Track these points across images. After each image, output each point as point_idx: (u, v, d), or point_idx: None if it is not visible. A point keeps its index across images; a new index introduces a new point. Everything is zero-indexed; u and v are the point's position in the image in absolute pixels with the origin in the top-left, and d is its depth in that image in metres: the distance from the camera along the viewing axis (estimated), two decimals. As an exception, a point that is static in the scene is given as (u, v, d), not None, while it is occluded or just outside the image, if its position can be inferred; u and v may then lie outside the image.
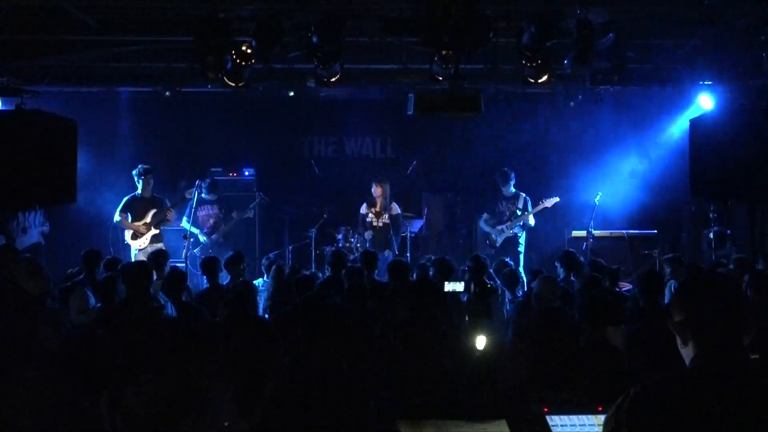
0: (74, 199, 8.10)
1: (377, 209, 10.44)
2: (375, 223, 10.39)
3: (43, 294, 5.47)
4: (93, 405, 3.32)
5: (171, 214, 9.84)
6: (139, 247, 9.64)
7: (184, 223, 9.95)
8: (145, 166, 9.88)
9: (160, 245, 9.41)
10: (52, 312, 5.31)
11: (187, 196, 9.94)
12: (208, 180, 10.35)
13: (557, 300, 5.77)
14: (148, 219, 9.71)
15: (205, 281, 7.86)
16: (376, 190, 10.47)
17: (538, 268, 8.37)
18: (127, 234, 9.73)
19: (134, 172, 9.90)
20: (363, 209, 10.56)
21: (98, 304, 5.28)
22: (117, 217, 9.72)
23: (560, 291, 6.03)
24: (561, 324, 5.34)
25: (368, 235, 10.25)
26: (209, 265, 7.58)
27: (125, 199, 9.84)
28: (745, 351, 2.14)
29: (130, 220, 9.70)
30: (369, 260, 7.82)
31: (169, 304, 6.03)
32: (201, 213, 10.28)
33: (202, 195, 10.13)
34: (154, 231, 9.71)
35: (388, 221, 10.34)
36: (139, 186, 9.83)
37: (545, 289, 5.76)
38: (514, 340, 5.57)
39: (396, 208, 10.54)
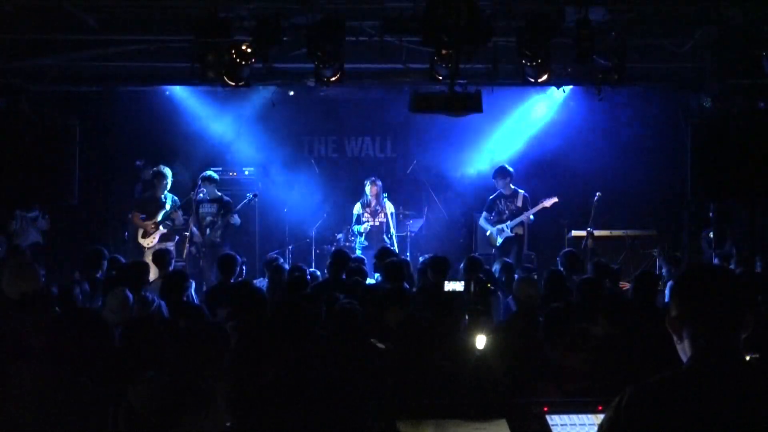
0: (74, 199, 8.11)
1: (371, 208, 10.46)
2: (371, 222, 10.40)
3: (29, 294, 5.01)
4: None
5: (176, 215, 9.95)
6: (147, 245, 9.71)
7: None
8: (157, 169, 9.97)
9: (169, 244, 9.51)
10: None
11: (192, 196, 10.08)
12: (202, 175, 10.32)
13: (538, 300, 5.79)
14: (158, 218, 9.81)
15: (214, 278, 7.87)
16: (371, 190, 10.48)
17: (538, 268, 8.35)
18: (139, 232, 9.82)
19: (150, 173, 10.09)
20: (357, 209, 10.55)
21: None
22: (130, 215, 9.93)
23: (537, 291, 6.01)
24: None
25: (364, 229, 10.27)
26: (226, 263, 7.35)
27: (139, 198, 9.98)
28: (740, 349, 2.12)
29: (143, 219, 9.86)
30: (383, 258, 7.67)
31: (162, 303, 5.94)
32: (201, 211, 10.29)
33: (200, 195, 10.18)
34: (162, 230, 9.78)
35: (384, 219, 10.36)
36: (155, 186, 9.99)
37: (524, 291, 5.78)
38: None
39: (390, 207, 10.55)
